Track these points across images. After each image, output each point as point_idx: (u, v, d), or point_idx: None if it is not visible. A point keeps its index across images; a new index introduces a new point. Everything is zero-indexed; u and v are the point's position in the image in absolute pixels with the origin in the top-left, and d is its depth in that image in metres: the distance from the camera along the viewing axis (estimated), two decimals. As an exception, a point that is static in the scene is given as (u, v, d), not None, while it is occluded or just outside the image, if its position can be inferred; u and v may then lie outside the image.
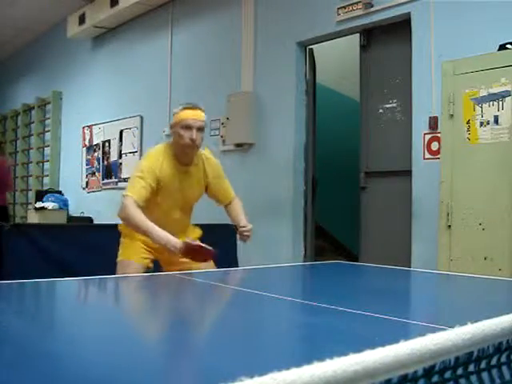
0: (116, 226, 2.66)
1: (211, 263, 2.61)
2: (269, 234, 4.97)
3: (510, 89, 2.94)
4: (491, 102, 3.01)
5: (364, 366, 0.51)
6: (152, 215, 2.41)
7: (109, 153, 7.37)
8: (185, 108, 2.51)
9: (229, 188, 2.78)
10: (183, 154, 2.54)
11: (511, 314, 0.72)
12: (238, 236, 2.71)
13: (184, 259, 2.48)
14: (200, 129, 2.49)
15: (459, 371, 0.68)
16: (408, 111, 4.07)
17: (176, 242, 2.28)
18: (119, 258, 2.53)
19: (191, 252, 2.28)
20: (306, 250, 4.93)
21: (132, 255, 2.51)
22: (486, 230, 3.01)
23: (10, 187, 6.87)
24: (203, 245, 2.27)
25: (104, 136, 7.44)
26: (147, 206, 2.46)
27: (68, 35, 7.56)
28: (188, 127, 2.46)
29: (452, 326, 0.66)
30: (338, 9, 4.46)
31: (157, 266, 2.64)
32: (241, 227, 2.64)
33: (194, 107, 2.52)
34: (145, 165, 2.49)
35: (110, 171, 7.29)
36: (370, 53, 4.49)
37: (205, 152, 2.69)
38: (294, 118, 4.90)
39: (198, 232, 2.80)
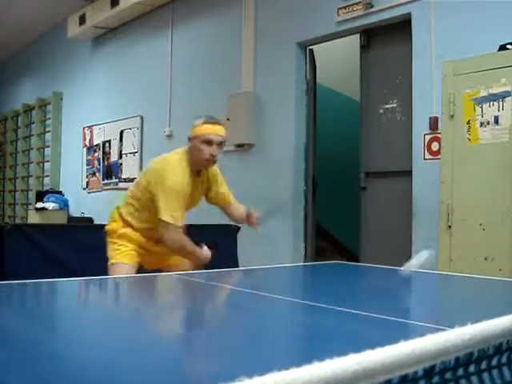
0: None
1: (187, 262, 2.69)
2: (269, 233, 4.96)
3: (510, 89, 2.93)
4: (491, 103, 3.01)
5: (364, 366, 0.51)
6: (155, 219, 2.43)
7: (109, 153, 7.37)
8: (206, 122, 2.46)
9: (228, 192, 2.78)
10: (199, 166, 2.52)
11: (511, 314, 0.72)
12: (250, 225, 2.86)
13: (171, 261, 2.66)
14: (220, 144, 2.47)
15: (460, 372, 0.68)
16: (408, 111, 4.07)
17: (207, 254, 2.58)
18: (112, 261, 2.49)
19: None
20: (306, 250, 4.93)
21: (125, 258, 2.50)
22: (486, 230, 3.01)
23: None
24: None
25: (104, 136, 7.45)
26: (151, 210, 2.47)
27: (68, 35, 7.57)
28: (209, 142, 2.43)
29: (452, 327, 0.66)
30: (338, 9, 4.46)
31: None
32: (252, 216, 2.78)
33: (215, 122, 2.49)
34: (177, 181, 2.41)
35: (111, 171, 7.29)
36: (370, 53, 4.49)
37: None
38: (294, 118, 4.90)
39: None
